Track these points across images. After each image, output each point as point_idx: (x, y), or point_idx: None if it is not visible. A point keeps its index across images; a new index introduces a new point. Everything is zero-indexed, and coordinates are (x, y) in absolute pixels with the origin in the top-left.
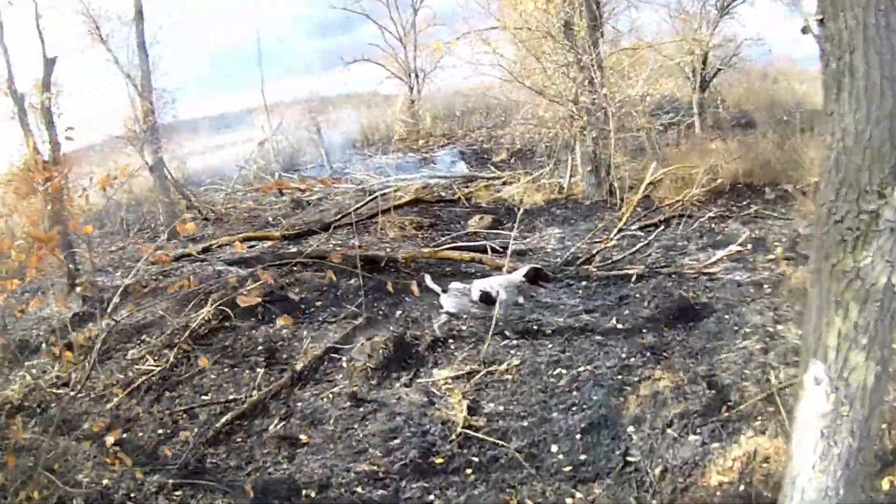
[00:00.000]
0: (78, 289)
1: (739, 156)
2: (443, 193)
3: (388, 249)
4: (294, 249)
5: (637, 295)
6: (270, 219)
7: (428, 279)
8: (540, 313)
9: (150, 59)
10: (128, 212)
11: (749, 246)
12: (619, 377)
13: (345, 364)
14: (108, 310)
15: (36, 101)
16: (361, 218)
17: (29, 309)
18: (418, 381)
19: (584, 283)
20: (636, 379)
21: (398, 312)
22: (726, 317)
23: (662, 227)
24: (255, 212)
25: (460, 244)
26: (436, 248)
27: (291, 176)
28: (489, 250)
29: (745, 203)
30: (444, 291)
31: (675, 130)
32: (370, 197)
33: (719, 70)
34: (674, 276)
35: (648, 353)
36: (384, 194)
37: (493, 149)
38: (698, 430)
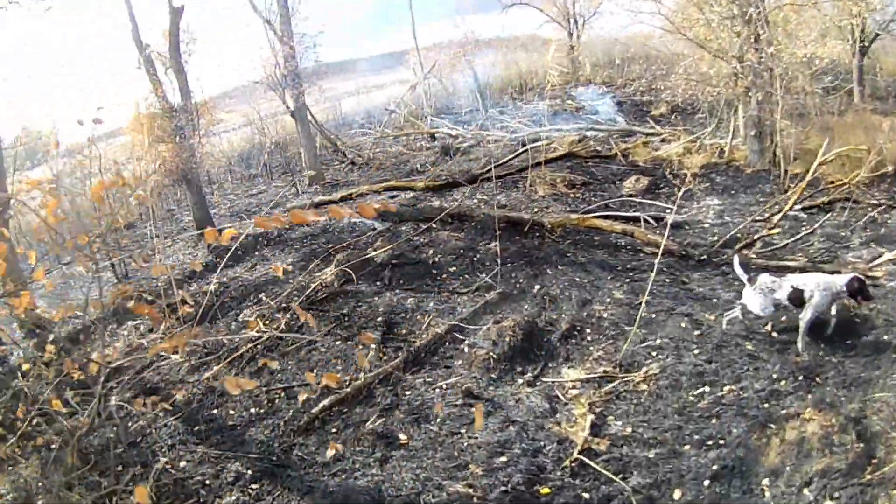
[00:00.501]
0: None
1: None
2: (598, 148)
3: (536, 210)
4: (437, 203)
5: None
6: (418, 166)
7: (736, 263)
8: (691, 307)
9: (288, 3)
10: (273, 153)
11: None
12: (766, 406)
13: (466, 349)
14: (219, 269)
15: (164, 51)
16: (510, 171)
17: (156, 256)
18: (544, 379)
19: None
20: (783, 412)
21: (536, 287)
22: (885, 337)
23: (826, 214)
24: (403, 157)
25: (611, 213)
26: (585, 215)
27: (443, 120)
28: (643, 221)
29: None
30: (750, 281)
31: (835, 96)
32: (520, 150)
33: (877, 35)
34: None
35: (801, 377)
36: (535, 146)
37: (652, 101)
38: (836, 495)
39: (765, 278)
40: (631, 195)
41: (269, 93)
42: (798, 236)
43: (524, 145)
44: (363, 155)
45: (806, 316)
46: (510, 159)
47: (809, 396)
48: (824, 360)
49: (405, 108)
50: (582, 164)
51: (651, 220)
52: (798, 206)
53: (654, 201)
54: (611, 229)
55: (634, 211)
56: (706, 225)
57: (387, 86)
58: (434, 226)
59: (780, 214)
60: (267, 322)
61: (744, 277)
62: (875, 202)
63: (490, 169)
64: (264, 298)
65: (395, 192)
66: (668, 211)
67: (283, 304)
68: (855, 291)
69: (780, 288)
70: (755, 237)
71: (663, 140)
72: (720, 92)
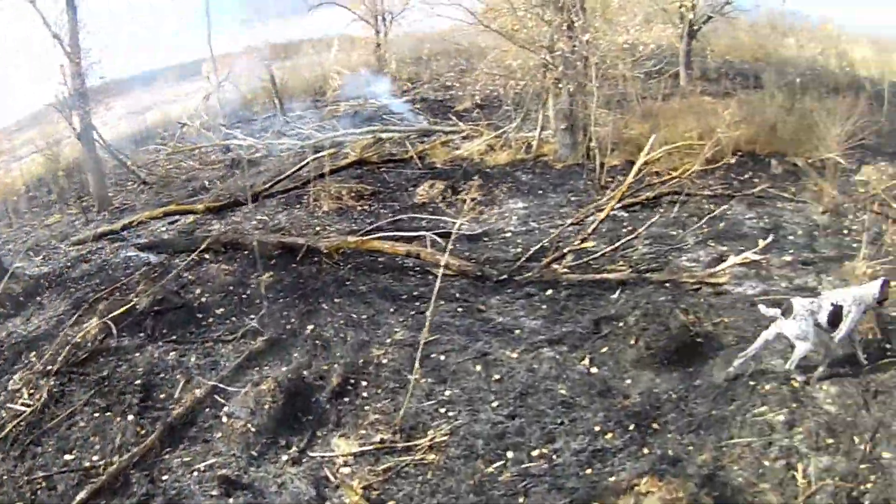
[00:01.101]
0: None
1: (744, 118)
2: (394, 151)
3: (317, 230)
4: (216, 226)
5: (620, 321)
6: (206, 182)
7: (762, 308)
8: (488, 342)
9: (77, 17)
10: (69, 178)
11: (761, 242)
12: (588, 472)
13: (225, 419)
14: None
15: None
16: (296, 185)
17: None
18: (311, 453)
19: (549, 290)
20: (612, 481)
21: (309, 328)
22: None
23: (653, 211)
24: (195, 172)
25: (389, 234)
26: (364, 237)
27: (235, 131)
28: (430, 238)
29: (747, 177)
30: (785, 313)
31: (658, 80)
32: (305, 160)
33: (709, 18)
34: (668, 285)
35: (632, 426)
36: (320, 156)
37: (454, 97)
38: None
39: (801, 303)
40: (424, 203)
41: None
42: (619, 242)
43: (316, 152)
44: (156, 173)
45: (840, 335)
46: (294, 172)
47: (646, 452)
48: (661, 398)
49: (198, 119)
50: (374, 171)
51: (438, 239)
52: (618, 205)
53: (444, 216)
54: (393, 251)
55: (428, 221)
56: (508, 234)
57: (191, 95)
58: (207, 257)
59: (599, 219)
60: (32, 391)
61: (776, 313)
62: (710, 193)
63: (272, 185)
64: (34, 359)
65: (177, 217)
66: (457, 224)
67: (46, 368)
68: (886, 297)
69: (820, 309)
70: (566, 249)
71: (466, 137)
72: (527, 85)
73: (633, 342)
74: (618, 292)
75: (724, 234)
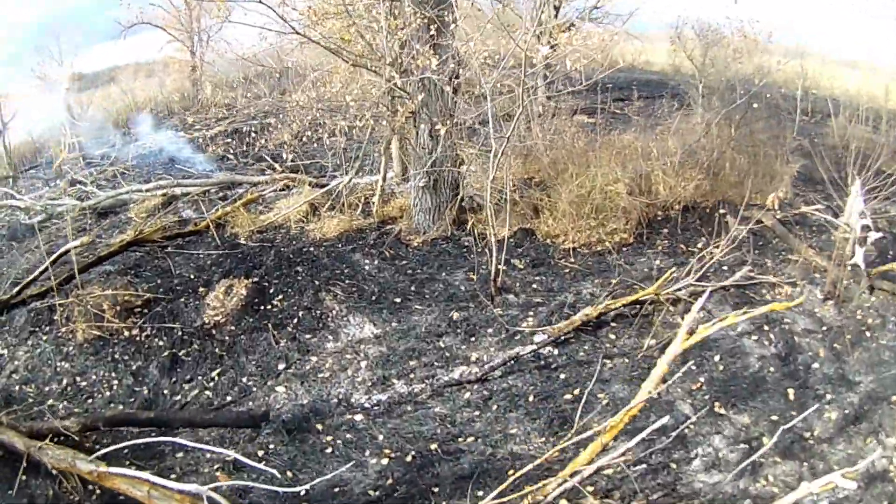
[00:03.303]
0: None
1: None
2: (188, 213)
3: (66, 386)
4: None
5: None
6: None
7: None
8: None
9: None
10: None
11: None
12: None
13: None
14: None
15: None
16: (47, 288)
17: None
18: None
19: None
20: None
21: None
22: None
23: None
24: None
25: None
26: (103, 468)
27: (11, 192)
28: (212, 495)
29: (700, 247)
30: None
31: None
32: (56, 253)
33: (572, 25)
34: None
35: None
36: (68, 249)
37: (269, 135)
38: None
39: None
40: (218, 324)
41: None
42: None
43: (100, 216)
44: None
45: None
46: (42, 271)
47: None
48: None
49: None
50: (157, 254)
51: (218, 499)
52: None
53: (255, 347)
54: None
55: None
56: (358, 416)
57: None
58: None
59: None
60: None
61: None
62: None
63: (23, 287)
64: None
65: None
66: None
67: None
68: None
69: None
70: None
71: (286, 187)
72: (364, 126)
73: None
74: None
75: (730, 384)
